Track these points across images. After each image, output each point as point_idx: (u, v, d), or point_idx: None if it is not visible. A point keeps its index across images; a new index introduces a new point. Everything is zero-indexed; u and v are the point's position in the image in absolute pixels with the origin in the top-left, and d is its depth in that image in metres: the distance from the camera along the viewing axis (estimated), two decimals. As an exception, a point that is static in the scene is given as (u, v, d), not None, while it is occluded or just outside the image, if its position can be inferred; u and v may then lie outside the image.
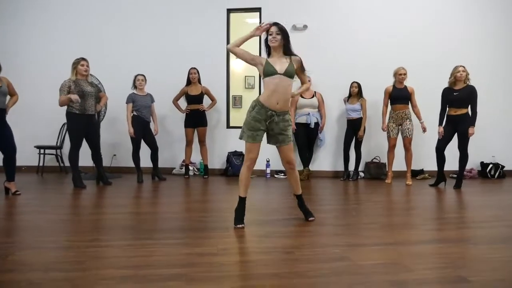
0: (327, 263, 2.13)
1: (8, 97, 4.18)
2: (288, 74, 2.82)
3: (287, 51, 2.89)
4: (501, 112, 6.17)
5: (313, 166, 6.13)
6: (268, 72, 2.81)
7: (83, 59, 4.79)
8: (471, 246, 2.47)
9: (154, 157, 5.60)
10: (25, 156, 6.18)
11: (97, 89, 5.00)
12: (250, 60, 2.92)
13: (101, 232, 2.74)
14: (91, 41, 6.39)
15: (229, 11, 6.35)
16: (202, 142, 5.90)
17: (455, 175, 5.10)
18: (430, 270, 2.01)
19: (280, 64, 2.84)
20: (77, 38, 6.44)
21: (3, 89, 4.07)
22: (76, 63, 4.74)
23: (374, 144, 6.04)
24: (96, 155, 5.00)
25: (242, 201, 2.90)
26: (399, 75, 5.31)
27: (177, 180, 5.60)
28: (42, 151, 6.11)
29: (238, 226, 2.81)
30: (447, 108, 4.95)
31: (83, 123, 4.73)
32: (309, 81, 3.66)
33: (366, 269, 2.01)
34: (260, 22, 6.24)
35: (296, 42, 5.92)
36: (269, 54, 2.96)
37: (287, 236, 2.70)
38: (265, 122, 2.84)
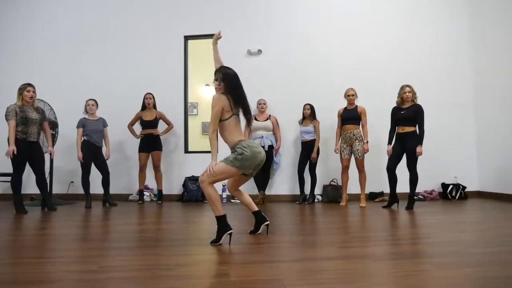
0: (202, 279, 2.02)
1: None
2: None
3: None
4: (463, 132, 6.13)
5: (270, 191, 6.03)
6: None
7: (29, 84, 4.80)
8: (372, 262, 2.34)
9: (106, 182, 5.51)
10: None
11: (43, 116, 4.97)
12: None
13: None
14: (44, 65, 6.47)
15: (187, 38, 6.45)
16: (156, 167, 5.82)
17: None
18: (307, 285, 1.89)
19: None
20: (29, 64, 6.50)
21: None
22: (22, 89, 4.75)
23: (333, 166, 5.95)
24: (41, 180, 4.92)
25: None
26: (347, 96, 5.32)
27: (129, 206, 5.47)
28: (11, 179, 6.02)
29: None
30: (396, 127, 4.91)
31: (25, 149, 4.68)
32: None
33: (233, 285, 1.89)
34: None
35: (251, 66, 6.11)
36: None
37: (182, 255, 2.58)
38: None
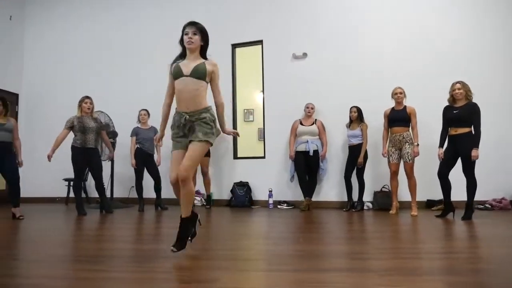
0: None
1: (10, 134, 4.75)
2: (195, 75, 2.54)
3: (204, 54, 2.69)
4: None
5: (318, 197, 5.85)
6: (174, 74, 2.59)
7: (87, 97, 5.32)
8: (369, 274, 2.14)
9: (157, 187, 5.83)
10: (59, 187, 6.93)
11: (99, 125, 5.44)
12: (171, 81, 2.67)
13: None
14: (103, 78, 7.07)
15: (234, 46, 6.58)
16: (205, 173, 6.01)
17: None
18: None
19: (188, 66, 2.58)
20: (97, 78, 7.16)
21: (7, 126, 4.68)
22: (81, 101, 5.28)
23: (384, 172, 5.57)
24: (98, 185, 5.38)
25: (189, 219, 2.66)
26: (395, 95, 4.96)
27: (179, 210, 5.69)
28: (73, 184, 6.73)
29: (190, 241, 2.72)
30: (448, 128, 4.45)
31: (83, 155, 5.17)
32: None
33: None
34: (262, 55, 6.38)
35: (296, 70, 6.02)
36: (183, 56, 2.68)
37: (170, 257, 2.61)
38: (183, 128, 2.56)
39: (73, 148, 5.18)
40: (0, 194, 5.18)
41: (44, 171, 7.06)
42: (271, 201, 5.92)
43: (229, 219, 4.79)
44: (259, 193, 6.15)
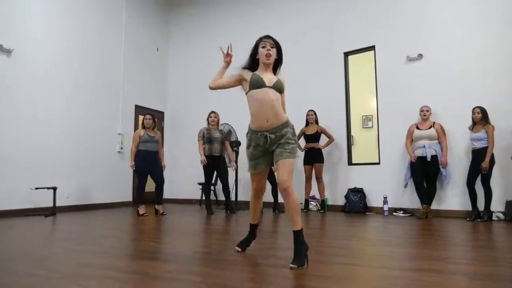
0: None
1: (158, 145, 5.79)
2: (277, 88, 2.51)
3: (276, 70, 2.64)
4: None
5: (439, 205, 5.50)
6: (254, 84, 2.49)
7: (212, 112, 6.13)
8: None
9: (274, 192, 6.29)
10: (194, 190, 8.01)
11: (223, 135, 6.17)
12: (236, 81, 2.65)
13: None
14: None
15: (346, 54, 6.69)
16: (319, 178, 6.23)
17: None
18: None
19: (267, 77, 2.53)
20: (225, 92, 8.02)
21: (155, 138, 5.74)
22: (208, 116, 6.11)
23: (518, 179, 4.97)
24: (225, 189, 6.10)
25: (250, 227, 2.88)
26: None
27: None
28: (202, 187, 7.74)
29: (236, 248, 2.84)
30: None
31: (211, 162, 5.94)
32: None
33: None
34: (375, 60, 6.35)
35: (412, 72, 5.83)
36: (251, 68, 2.62)
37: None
38: (263, 147, 2.54)
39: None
40: (149, 195, 6.32)
41: (183, 176, 8.26)
42: (386, 207, 5.80)
43: (344, 223, 4.90)
44: (374, 200, 6.08)
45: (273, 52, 2.52)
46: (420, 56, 5.86)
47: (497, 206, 5.00)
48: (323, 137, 6.35)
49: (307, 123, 6.43)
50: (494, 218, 4.94)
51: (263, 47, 2.51)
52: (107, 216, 5.57)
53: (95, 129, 7.07)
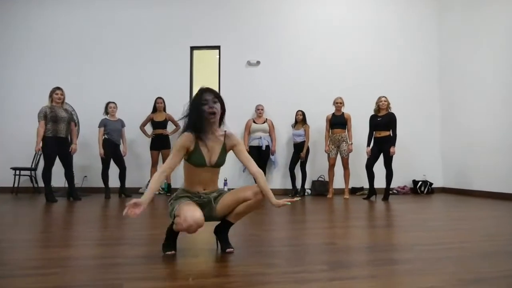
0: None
1: None
2: (219, 165, 2.27)
3: (220, 122, 2.28)
4: (430, 137, 7.17)
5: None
6: (196, 162, 2.17)
7: (58, 88, 5.49)
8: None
9: (122, 176, 6.22)
10: (1, 176, 6.76)
11: (70, 115, 5.65)
12: (182, 157, 2.17)
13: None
14: (70, 74, 7.13)
15: (192, 48, 7.24)
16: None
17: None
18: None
19: (211, 152, 2.21)
20: (58, 71, 7.15)
21: None
22: (52, 92, 5.44)
23: (319, 165, 6.86)
24: (69, 173, 5.58)
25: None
26: (336, 103, 6.23)
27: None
28: (17, 172, 6.61)
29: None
30: (374, 132, 5.84)
31: (55, 145, 5.34)
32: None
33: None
34: (219, 58, 7.17)
35: (250, 76, 6.95)
36: (196, 130, 2.16)
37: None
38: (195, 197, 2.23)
39: (45, 138, 5.29)
40: None
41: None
42: (226, 188, 6.73)
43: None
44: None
45: (217, 107, 2.16)
46: (258, 62, 7.07)
47: (308, 184, 6.75)
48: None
49: (155, 110, 6.62)
50: (306, 193, 6.66)
51: (204, 104, 2.13)
52: None
53: None
